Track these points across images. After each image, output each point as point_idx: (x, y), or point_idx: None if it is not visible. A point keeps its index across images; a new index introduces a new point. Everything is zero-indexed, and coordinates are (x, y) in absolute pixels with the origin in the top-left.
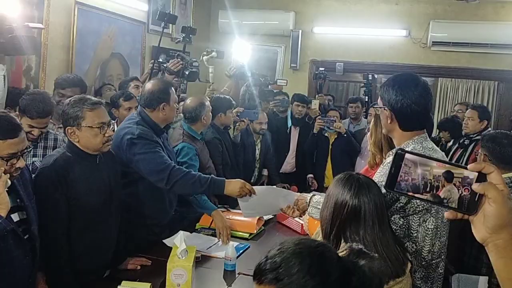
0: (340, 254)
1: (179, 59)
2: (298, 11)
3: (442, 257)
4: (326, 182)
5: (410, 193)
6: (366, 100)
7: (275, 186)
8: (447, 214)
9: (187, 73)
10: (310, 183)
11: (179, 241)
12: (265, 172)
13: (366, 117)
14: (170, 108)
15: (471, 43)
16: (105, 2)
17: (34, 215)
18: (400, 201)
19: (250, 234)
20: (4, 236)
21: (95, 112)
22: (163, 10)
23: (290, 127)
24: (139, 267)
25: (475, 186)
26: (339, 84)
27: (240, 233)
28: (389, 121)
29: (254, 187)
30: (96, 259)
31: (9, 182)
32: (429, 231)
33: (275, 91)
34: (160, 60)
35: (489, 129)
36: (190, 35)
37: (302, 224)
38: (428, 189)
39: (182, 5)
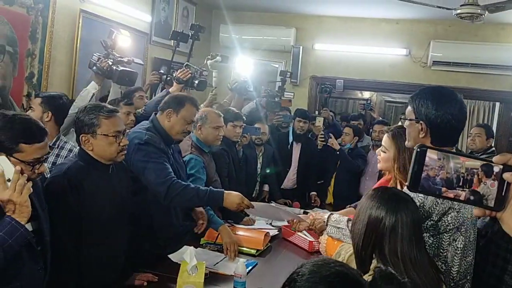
0: (366, 276)
1: (187, 69)
2: (299, 28)
3: (468, 277)
4: (329, 198)
5: (444, 190)
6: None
7: (273, 204)
8: (476, 211)
9: (196, 82)
10: (313, 200)
11: (189, 256)
12: (266, 187)
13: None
14: (176, 120)
15: (471, 64)
16: (110, 11)
17: (46, 226)
18: (432, 218)
19: (257, 250)
20: (21, 247)
21: (111, 120)
22: (166, 22)
23: (292, 142)
24: (145, 283)
25: (508, 175)
26: (337, 101)
27: (247, 249)
28: (421, 135)
29: (253, 202)
30: (105, 275)
31: (31, 190)
32: (458, 250)
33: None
34: (162, 71)
35: (493, 148)
36: (199, 33)
37: (310, 241)
38: (456, 187)
39: (184, 18)
